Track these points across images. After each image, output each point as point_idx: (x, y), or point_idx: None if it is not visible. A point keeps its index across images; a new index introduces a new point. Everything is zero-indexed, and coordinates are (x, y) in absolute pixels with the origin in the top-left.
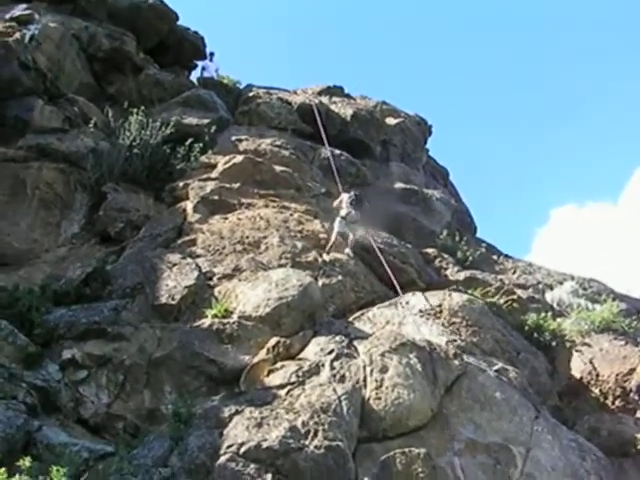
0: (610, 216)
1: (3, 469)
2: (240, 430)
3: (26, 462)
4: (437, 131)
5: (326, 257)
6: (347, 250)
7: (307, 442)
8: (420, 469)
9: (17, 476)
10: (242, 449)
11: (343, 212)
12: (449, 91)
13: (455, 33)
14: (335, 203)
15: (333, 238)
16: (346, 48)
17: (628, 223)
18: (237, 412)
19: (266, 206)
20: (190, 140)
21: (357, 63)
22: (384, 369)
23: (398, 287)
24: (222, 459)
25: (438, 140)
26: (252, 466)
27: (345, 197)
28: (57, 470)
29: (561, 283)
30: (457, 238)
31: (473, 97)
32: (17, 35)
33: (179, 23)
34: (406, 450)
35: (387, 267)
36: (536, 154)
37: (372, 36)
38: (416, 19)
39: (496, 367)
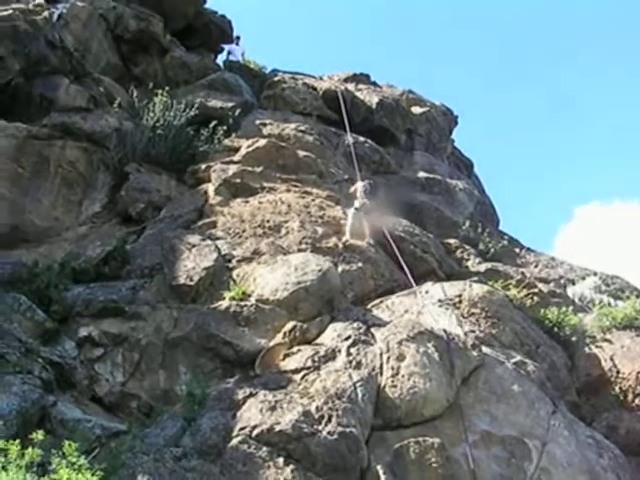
0: (637, 215)
1: (17, 441)
2: (253, 413)
3: (39, 436)
4: (464, 123)
5: (346, 243)
6: (367, 239)
7: (320, 427)
8: (434, 459)
9: (30, 449)
10: (255, 432)
11: (357, 203)
12: (476, 84)
13: (491, 24)
14: (350, 191)
15: (348, 230)
16: (375, 35)
17: None
18: (251, 395)
19: (288, 191)
20: (214, 123)
21: (386, 51)
22: (401, 357)
23: (410, 276)
24: (234, 441)
25: (465, 132)
26: (264, 449)
27: (359, 186)
28: (69, 445)
29: (583, 278)
30: (479, 230)
31: (501, 92)
32: (45, 14)
33: (206, 6)
34: (420, 439)
35: (399, 256)
36: (562, 151)
37: (403, 24)
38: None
39: (514, 360)
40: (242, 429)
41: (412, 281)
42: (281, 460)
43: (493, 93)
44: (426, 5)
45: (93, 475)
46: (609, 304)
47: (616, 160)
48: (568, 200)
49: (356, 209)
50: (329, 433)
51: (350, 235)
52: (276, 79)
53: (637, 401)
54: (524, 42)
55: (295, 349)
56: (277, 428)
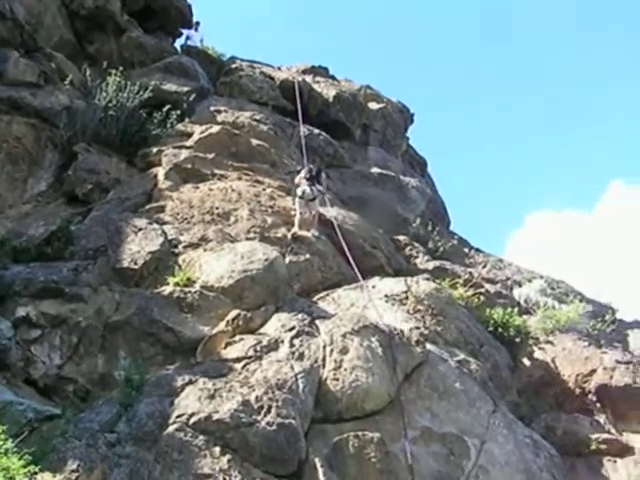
0: (584, 225)
1: None
2: (191, 400)
3: None
4: (421, 122)
5: (295, 235)
6: (313, 230)
7: (259, 417)
8: (372, 454)
9: None
10: (192, 420)
11: (299, 191)
12: (438, 85)
13: (448, 29)
14: (296, 179)
15: (297, 221)
16: (335, 29)
17: (601, 233)
18: (190, 382)
19: (239, 179)
20: (168, 107)
21: (346, 46)
22: (344, 350)
23: (357, 270)
24: (170, 428)
25: (421, 131)
26: (201, 437)
27: (302, 173)
28: None
29: (530, 281)
30: (430, 228)
31: (460, 96)
32: None
33: None
34: (360, 434)
35: (347, 249)
36: (520, 157)
37: (366, 19)
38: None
39: (458, 358)
40: (179, 416)
41: (359, 275)
42: (217, 449)
43: (458, 95)
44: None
45: (20, 459)
46: (553, 307)
47: (571, 170)
48: (521, 206)
49: (300, 197)
50: (268, 424)
51: (299, 227)
52: (234, 66)
53: (575, 403)
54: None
55: (237, 338)
56: (215, 417)
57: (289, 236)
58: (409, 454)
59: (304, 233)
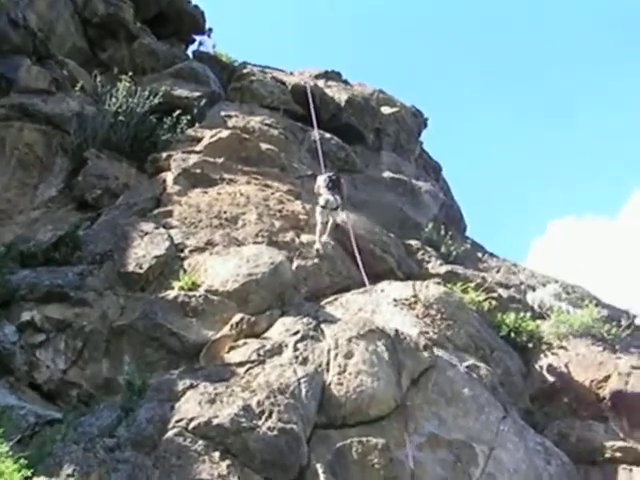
0: (608, 231)
1: None
2: (192, 405)
3: None
4: (439, 131)
5: (304, 239)
6: (324, 237)
7: (260, 422)
8: (376, 460)
9: None
10: (191, 424)
11: (322, 201)
12: (459, 90)
13: (465, 32)
14: (315, 188)
15: (318, 230)
16: (350, 35)
17: (625, 239)
18: (191, 386)
19: (248, 183)
20: (178, 112)
21: (360, 51)
22: (349, 354)
23: (364, 274)
24: (170, 433)
25: (437, 138)
26: (200, 442)
27: (320, 181)
28: None
29: (544, 285)
30: (442, 232)
31: (479, 101)
32: None
33: None
34: (364, 439)
35: (357, 253)
36: (539, 164)
37: (381, 25)
38: (427, 7)
39: (467, 363)
40: (179, 421)
41: (365, 279)
42: (217, 454)
43: (475, 102)
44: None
45: (15, 463)
46: (567, 312)
47: (592, 175)
48: (543, 213)
49: (323, 207)
50: (269, 429)
51: (321, 243)
52: (245, 71)
53: (589, 409)
54: (507, 49)
55: (241, 342)
56: (215, 421)
57: (298, 240)
58: (411, 460)
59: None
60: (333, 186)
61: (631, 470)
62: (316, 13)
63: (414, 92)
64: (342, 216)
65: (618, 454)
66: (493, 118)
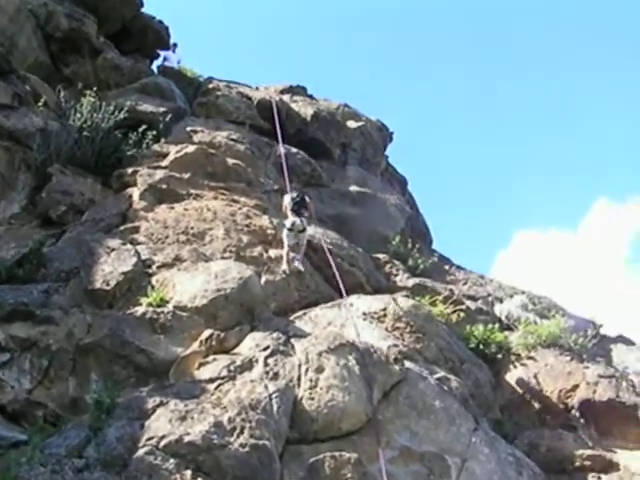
0: (569, 244)
1: None
2: (162, 423)
3: None
4: (404, 144)
5: (272, 254)
6: (297, 264)
7: (232, 439)
8: (349, 475)
9: None
10: (162, 442)
11: (288, 223)
12: (422, 104)
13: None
14: (282, 207)
15: (285, 252)
16: (312, 49)
17: (585, 252)
18: (161, 404)
19: (215, 198)
20: (144, 127)
21: (323, 66)
22: (320, 369)
23: (343, 289)
24: (140, 452)
25: (403, 152)
26: (172, 461)
27: (286, 201)
28: None
29: (511, 297)
30: (409, 245)
31: (443, 114)
32: None
33: (143, 10)
34: (336, 454)
35: (334, 267)
36: (504, 176)
37: (343, 37)
38: (396, 18)
39: (438, 375)
40: (149, 439)
41: (343, 291)
42: (189, 473)
43: (437, 112)
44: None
45: None
46: (535, 322)
47: (555, 188)
48: (508, 225)
49: (289, 230)
50: (241, 445)
51: (287, 265)
52: (210, 86)
53: (559, 419)
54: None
55: (211, 358)
56: (186, 439)
57: (266, 255)
58: (384, 474)
59: (292, 268)
60: (299, 207)
61: (600, 478)
62: (281, 27)
63: (377, 105)
64: (310, 232)
65: (587, 462)
66: (457, 130)
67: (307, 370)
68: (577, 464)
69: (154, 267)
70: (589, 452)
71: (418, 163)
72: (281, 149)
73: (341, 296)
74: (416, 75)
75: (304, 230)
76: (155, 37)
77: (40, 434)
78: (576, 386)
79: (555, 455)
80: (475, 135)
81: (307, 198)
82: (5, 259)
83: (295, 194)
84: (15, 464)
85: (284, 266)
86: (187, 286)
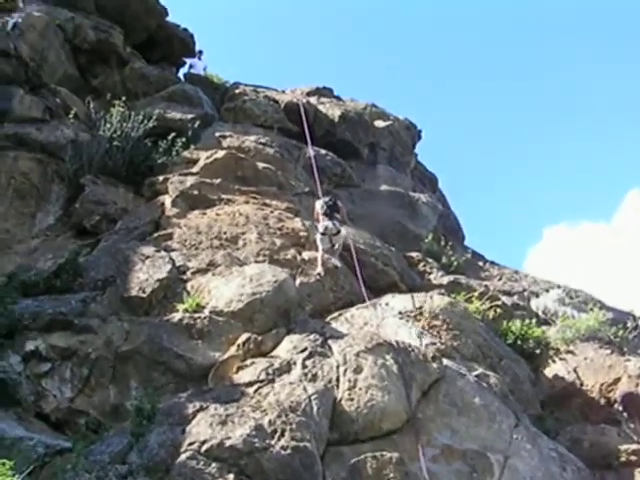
0: (603, 236)
1: None
2: (203, 427)
3: None
4: (432, 142)
5: (305, 256)
6: (333, 260)
7: (273, 442)
8: (391, 474)
9: None
10: (204, 447)
11: (321, 227)
12: (450, 103)
13: (453, 39)
14: (315, 212)
15: (319, 255)
16: (338, 50)
17: (621, 244)
18: (201, 409)
19: (246, 202)
20: (173, 135)
21: (350, 67)
22: (358, 369)
23: (363, 289)
24: (182, 457)
25: (432, 151)
26: (214, 465)
27: (318, 207)
28: (3, 464)
29: (547, 291)
30: (442, 243)
31: (471, 111)
32: None
33: (169, 19)
34: (377, 454)
35: (357, 267)
36: (532, 171)
37: (367, 38)
38: (413, 21)
39: (476, 372)
40: (191, 444)
41: (364, 294)
42: (232, 476)
43: (463, 110)
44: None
45: None
46: (572, 316)
47: (585, 182)
48: (537, 221)
49: (322, 234)
50: (282, 448)
51: (322, 268)
52: (237, 91)
53: (601, 413)
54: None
55: (249, 362)
56: (227, 443)
57: (300, 257)
58: (425, 472)
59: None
60: (331, 211)
61: None
62: (305, 28)
63: (405, 104)
64: (343, 233)
65: (633, 457)
66: (486, 127)
67: (345, 371)
68: (622, 459)
69: (189, 273)
70: (634, 447)
71: (448, 161)
72: (310, 151)
73: (376, 296)
74: (446, 71)
75: (338, 233)
76: (181, 45)
77: (83, 441)
78: (618, 379)
79: (599, 450)
80: (504, 131)
81: (339, 202)
82: (42, 270)
83: (327, 198)
84: (61, 471)
85: (319, 269)
86: (222, 291)
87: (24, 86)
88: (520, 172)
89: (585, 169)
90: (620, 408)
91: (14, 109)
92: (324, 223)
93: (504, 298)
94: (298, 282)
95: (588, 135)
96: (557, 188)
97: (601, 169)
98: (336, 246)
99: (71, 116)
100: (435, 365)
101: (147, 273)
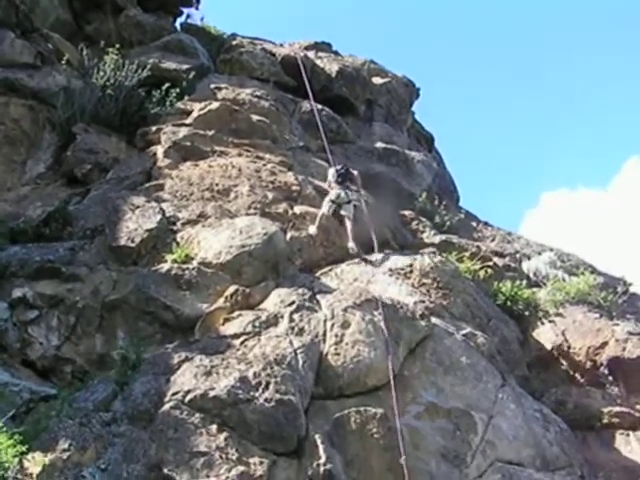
0: (600, 202)
1: None
2: (188, 378)
3: None
4: (432, 99)
5: (297, 210)
6: (350, 244)
7: (257, 394)
8: (375, 429)
9: None
10: (188, 397)
11: (332, 195)
12: (451, 63)
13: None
14: (327, 181)
15: (318, 218)
16: (338, 6)
17: (617, 210)
18: (187, 359)
19: (239, 155)
20: (167, 85)
21: (350, 22)
22: (346, 324)
23: (375, 242)
24: (166, 406)
25: (433, 111)
26: (197, 415)
27: (330, 174)
28: None
29: (539, 254)
30: (436, 202)
31: (473, 72)
32: None
33: None
34: (362, 409)
35: (369, 222)
36: (532, 136)
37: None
38: None
39: (464, 331)
40: (175, 394)
41: (376, 246)
42: (214, 427)
43: (464, 74)
44: None
45: (10, 439)
46: (563, 279)
47: (584, 148)
48: (536, 186)
49: (332, 201)
50: (266, 400)
51: (317, 229)
52: (234, 43)
53: (587, 376)
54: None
55: (236, 314)
56: (211, 394)
57: (291, 211)
58: (398, 424)
59: (309, 208)
60: (343, 180)
61: (628, 435)
62: None
63: (404, 61)
64: (353, 202)
65: (615, 420)
66: (486, 90)
67: (332, 325)
68: (605, 421)
69: (179, 224)
70: (617, 409)
71: (446, 120)
72: (312, 105)
73: (366, 253)
74: (446, 30)
75: (349, 202)
76: None
77: (69, 389)
78: (605, 343)
79: (583, 412)
80: (504, 95)
81: (352, 170)
82: (32, 218)
83: (340, 166)
84: (45, 417)
85: (313, 229)
86: (212, 242)
87: (15, 30)
88: (521, 139)
89: (586, 135)
90: (606, 371)
91: (4, 53)
92: (336, 191)
93: (496, 259)
94: (289, 236)
95: (590, 102)
96: (556, 154)
97: (601, 136)
98: (347, 215)
99: (63, 62)
100: (423, 323)
101: (137, 223)
